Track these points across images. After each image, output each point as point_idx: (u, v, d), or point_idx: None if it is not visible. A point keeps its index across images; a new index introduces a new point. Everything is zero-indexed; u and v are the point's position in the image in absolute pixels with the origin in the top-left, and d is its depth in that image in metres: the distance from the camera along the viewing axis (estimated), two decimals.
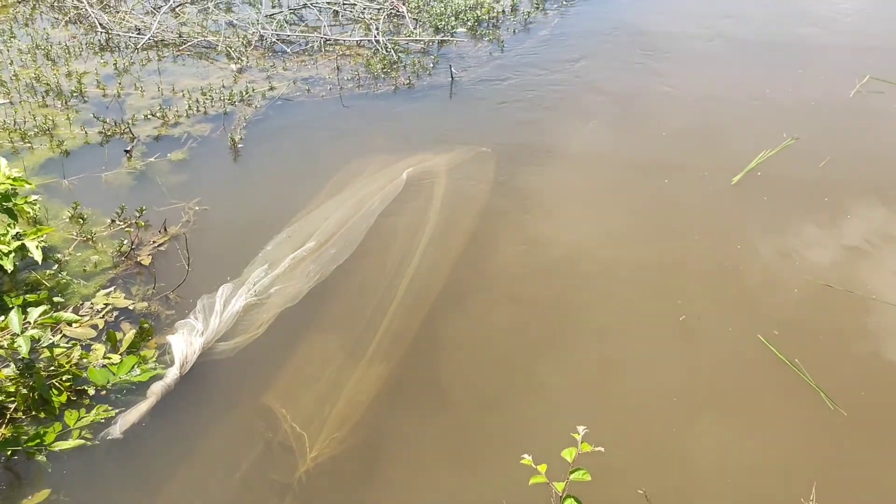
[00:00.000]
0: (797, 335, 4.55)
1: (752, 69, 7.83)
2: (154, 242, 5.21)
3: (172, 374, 4.14)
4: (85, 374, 4.03)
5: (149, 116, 6.74)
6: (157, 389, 4.07)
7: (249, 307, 4.67)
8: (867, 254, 5.18)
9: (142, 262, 5.01)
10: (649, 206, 5.77)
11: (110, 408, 3.94)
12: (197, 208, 5.57)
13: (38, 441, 3.67)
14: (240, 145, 6.41)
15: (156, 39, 8.16)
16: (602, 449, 2.59)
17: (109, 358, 4.17)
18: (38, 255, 4.27)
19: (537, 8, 9.27)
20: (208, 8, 9.03)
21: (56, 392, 3.94)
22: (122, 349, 4.25)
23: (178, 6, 9.08)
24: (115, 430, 3.86)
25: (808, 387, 4.20)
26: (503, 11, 9.13)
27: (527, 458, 2.61)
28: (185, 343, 4.27)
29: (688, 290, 4.90)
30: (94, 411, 3.88)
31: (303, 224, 5.41)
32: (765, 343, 4.45)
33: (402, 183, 5.84)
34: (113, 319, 4.56)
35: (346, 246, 5.21)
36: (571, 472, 2.57)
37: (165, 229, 5.32)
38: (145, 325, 4.42)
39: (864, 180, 5.97)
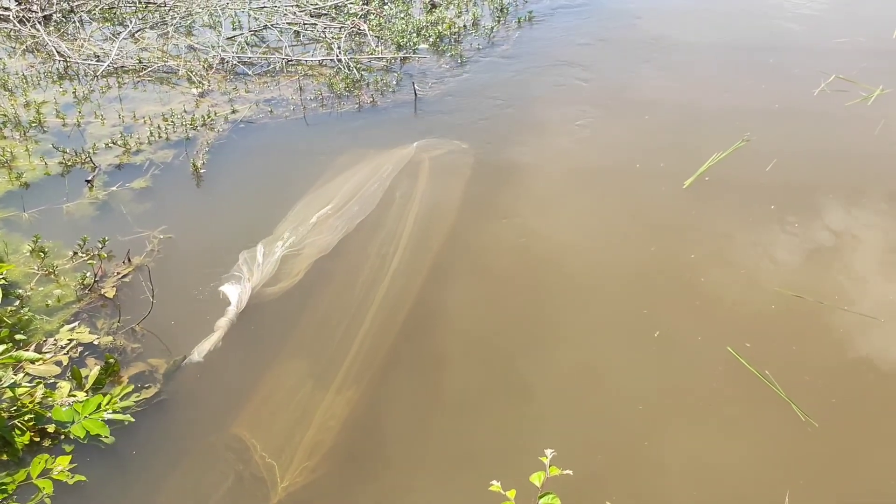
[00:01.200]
0: (766, 346, 4.58)
1: (713, 72, 7.95)
2: (118, 274, 5.14)
3: (232, 311, 4.78)
4: (49, 414, 3.96)
5: (110, 145, 6.66)
6: (222, 323, 4.70)
7: (286, 258, 5.28)
8: (817, 259, 5.25)
9: (106, 295, 4.94)
10: (606, 212, 5.83)
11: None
12: (161, 237, 5.52)
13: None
14: (203, 170, 6.37)
15: (115, 66, 8.09)
16: (570, 472, 2.59)
17: (75, 395, 4.11)
18: None
19: (498, 22, 9.34)
20: (168, 32, 8.97)
21: (19, 433, 3.86)
22: (87, 386, 4.19)
23: (137, 32, 9.01)
24: (196, 356, 4.52)
25: (779, 398, 4.22)
26: (464, 27, 9.18)
27: (495, 485, 2.61)
28: (236, 289, 4.95)
29: (651, 302, 4.94)
30: (57, 460, 3.78)
31: (321, 192, 6.00)
32: (734, 355, 4.48)
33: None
34: (78, 355, 4.49)
35: (364, 206, 5.85)
36: (541, 497, 2.57)
37: (129, 260, 5.26)
38: (111, 360, 4.36)
39: (812, 182, 6.08)
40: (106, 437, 3.84)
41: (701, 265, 5.22)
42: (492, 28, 9.13)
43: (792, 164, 6.29)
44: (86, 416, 3.86)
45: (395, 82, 7.85)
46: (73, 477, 3.71)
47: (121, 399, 4.12)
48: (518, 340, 4.69)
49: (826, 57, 8.10)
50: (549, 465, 2.62)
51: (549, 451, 2.66)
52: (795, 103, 7.30)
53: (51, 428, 3.97)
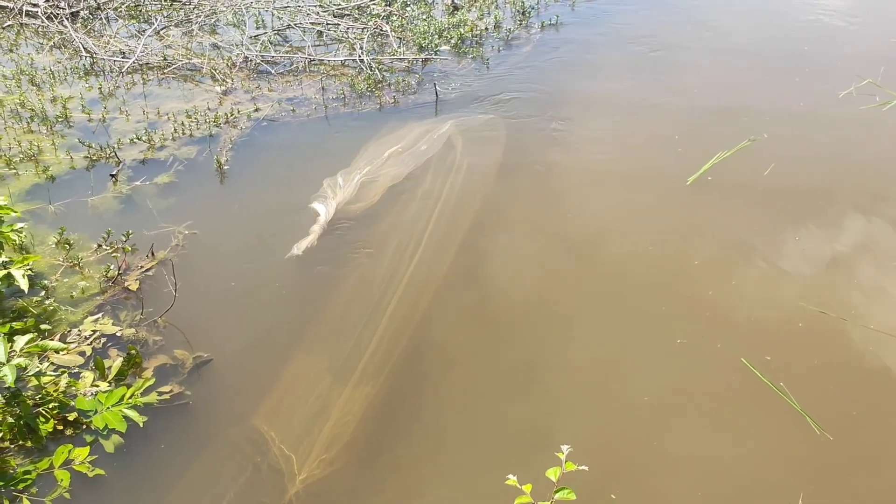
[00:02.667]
0: (780, 358, 4.53)
1: (741, 76, 7.95)
2: (142, 267, 5.21)
3: (322, 220, 5.68)
4: (72, 403, 4.02)
5: (134, 140, 6.75)
6: (315, 228, 5.61)
7: (364, 183, 6.19)
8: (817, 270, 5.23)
9: (129, 288, 5.01)
10: (635, 207, 5.86)
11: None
12: (185, 232, 5.58)
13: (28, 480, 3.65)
14: (226, 167, 6.43)
15: (140, 63, 8.19)
16: (586, 468, 2.60)
17: (97, 385, 4.17)
18: (24, 284, 4.25)
19: (520, 24, 9.36)
20: (192, 30, 9.07)
21: (43, 420, 3.93)
22: (109, 377, 4.25)
23: (162, 29, 9.11)
24: (296, 251, 5.37)
25: (793, 411, 4.19)
26: (486, 29, 9.21)
27: (512, 479, 2.63)
28: (324, 205, 5.88)
29: (670, 305, 4.94)
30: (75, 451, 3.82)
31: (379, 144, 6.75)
32: (749, 367, 4.46)
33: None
34: (101, 346, 4.56)
35: (431, 146, 6.67)
36: (556, 492, 2.58)
37: (153, 253, 5.33)
38: (133, 352, 4.42)
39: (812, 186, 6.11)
40: (122, 431, 3.88)
41: (704, 272, 5.22)
42: (511, 30, 9.14)
43: (791, 167, 6.35)
44: (108, 408, 3.91)
45: (415, 84, 7.89)
46: (93, 470, 3.76)
47: (142, 394, 4.17)
48: (532, 348, 4.71)
49: (867, 60, 8.05)
50: (565, 461, 2.64)
51: (564, 448, 2.68)
52: (818, 105, 7.29)
53: (71, 417, 4.03)
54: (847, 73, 7.79)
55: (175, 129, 6.92)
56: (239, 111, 7.27)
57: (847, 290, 4.97)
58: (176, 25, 9.27)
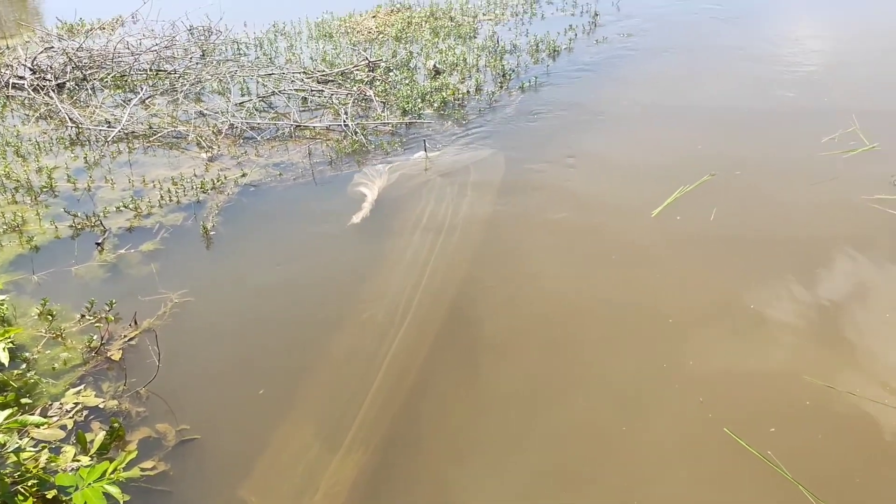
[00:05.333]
0: (760, 426, 4.33)
1: (708, 131, 8.08)
2: (125, 337, 5.14)
3: (370, 201, 6.80)
4: (52, 480, 3.90)
5: (120, 208, 6.74)
6: (366, 204, 6.76)
7: (405, 176, 7.34)
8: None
9: (112, 358, 4.93)
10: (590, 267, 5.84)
11: None
12: (170, 300, 5.53)
13: None
14: (212, 233, 6.42)
15: (126, 132, 8.25)
16: None
17: (79, 460, 4.05)
18: (4, 358, 4.18)
19: (501, 87, 9.54)
20: (178, 99, 9.18)
21: (21, 498, 3.80)
22: (91, 451, 4.14)
23: (147, 98, 9.22)
24: (355, 219, 6.55)
25: (786, 481, 4.01)
26: (468, 92, 9.38)
27: None
28: (368, 189, 7.00)
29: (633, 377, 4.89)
30: None
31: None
32: (732, 436, 4.24)
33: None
34: (83, 419, 4.45)
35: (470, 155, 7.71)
36: None
37: (136, 322, 5.27)
38: (116, 425, 4.32)
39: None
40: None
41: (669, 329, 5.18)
42: (493, 93, 9.31)
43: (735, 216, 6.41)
44: (90, 483, 3.79)
45: (400, 146, 7.98)
46: None
47: (125, 468, 4.05)
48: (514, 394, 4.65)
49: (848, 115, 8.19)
50: None
51: None
52: (793, 152, 7.46)
53: (50, 494, 3.91)
54: (828, 124, 7.95)
55: (161, 197, 6.92)
56: (225, 177, 7.30)
57: (828, 353, 4.91)
58: (161, 94, 9.39)
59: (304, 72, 9.91)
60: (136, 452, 4.18)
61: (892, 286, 5.40)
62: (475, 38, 11.72)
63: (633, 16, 12.72)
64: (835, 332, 4.98)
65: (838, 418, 4.34)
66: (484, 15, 13.08)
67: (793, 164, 7.22)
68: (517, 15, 13.05)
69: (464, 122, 8.53)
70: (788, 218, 6.35)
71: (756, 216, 6.41)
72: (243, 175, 7.37)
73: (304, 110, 8.95)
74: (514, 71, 10.05)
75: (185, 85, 9.55)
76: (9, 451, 3.73)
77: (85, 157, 7.71)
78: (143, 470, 4.15)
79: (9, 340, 4.48)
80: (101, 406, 4.53)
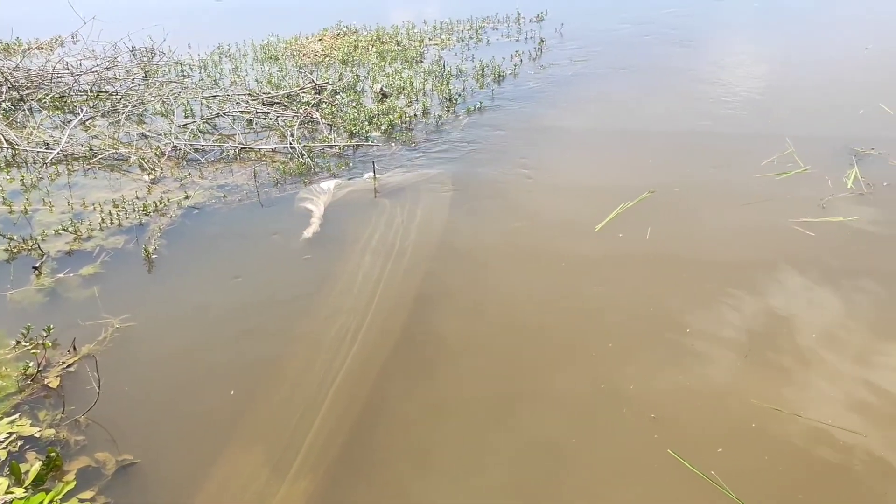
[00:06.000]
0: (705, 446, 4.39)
1: (651, 152, 8.30)
2: (63, 363, 4.99)
3: (318, 216, 6.87)
4: None
5: (59, 231, 6.57)
6: (314, 220, 6.83)
7: (353, 194, 7.45)
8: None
9: (50, 386, 4.78)
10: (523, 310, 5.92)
11: None
12: (111, 324, 5.39)
13: None
14: (154, 256, 6.30)
15: (65, 153, 8.06)
16: None
17: (13, 492, 3.91)
18: None
19: (448, 111, 9.64)
20: (119, 120, 9.01)
21: None
22: (26, 482, 4.00)
23: (88, 120, 9.03)
24: (306, 234, 6.59)
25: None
26: (415, 115, 9.45)
27: None
28: (314, 205, 7.11)
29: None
30: None
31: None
32: (675, 457, 4.30)
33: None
34: (17, 449, 4.29)
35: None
36: None
37: (75, 348, 5.12)
38: (52, 454, 4.18)
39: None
40: None
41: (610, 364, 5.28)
42: (440, 116, 9.40)
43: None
44: None
45: (346, 170, 7.97)
46: None
47: (62, 500, 3.93)
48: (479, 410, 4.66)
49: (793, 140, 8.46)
50: None
51: None
52: (731, 173, 7.70)
53: None
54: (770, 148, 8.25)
55: (102, 220, 6.77)
56: (168, 199, 7.19)
57: (766, 376, 5.05)
58: (102, 116, 9.21)
59: (249, 94, 9.85)
60: (75, 483, 4.05)
61: (815, 308, 5.52)
62: (422, 62, 11.84)
63: (577, 40, 13.02)
64: (764, 355, 5.08)
65: (782, 439, 4.44)
66: (430, 40, 13.23)
67: (729, 185, 7.45)
68: (463, 40, 13.24)
69: (412, 145, 8.58)
70: (718, 238, 6.52)
71: (688, 236, 6.59)
72: (187, 197, 7.26)
73: (249, 132, 8.88)
74: (460, 95, 10.17)
75: (127, 106, 9.40)
76: None
77: (22, 180, 7.50)
78: (81, 501, 4.02)
79: None
80: (37, 435, 4.38)
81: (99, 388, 4.65)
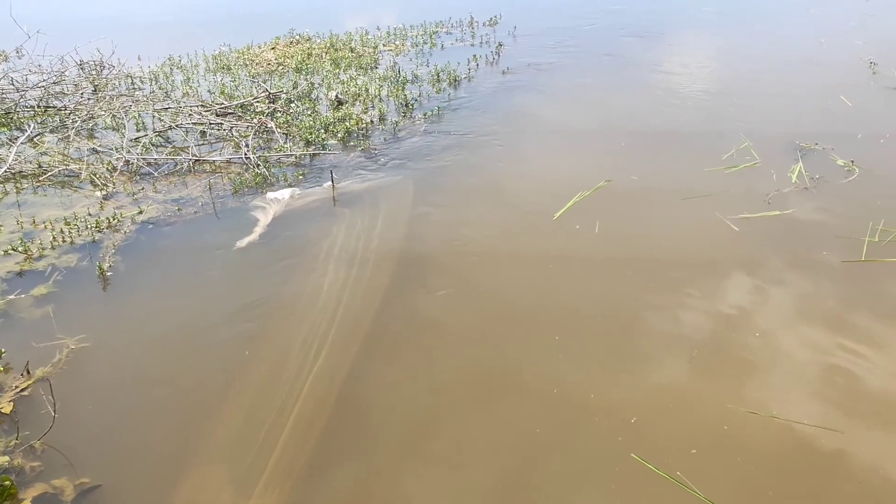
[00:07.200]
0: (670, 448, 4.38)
1: (610, 147, 8.40)
2: (16, 387, 4.85)
3: (263, 225, 6.84)
4: None
5: (9, 252, 6.39)
6: (258, 229, 6.75)
7: (311, 202, 7.36)
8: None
9: (2, 411, 4.64)
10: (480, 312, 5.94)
11: None
12: (72, 345, 5.25)
13: None
14: (109, 273, 6.16)
15: (13, 171, 7.86)
16: None
17: None
18: None
19: (405, 116, 9.62)
20: (69, 136, 8.81)
21: None
22: None
23: (36, 136, 8.81)
24: (241, 244, 6.53)
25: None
26: (372, 122, 9.41)
27: None
28: (263, 214, 7.06)
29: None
30: None
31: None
32: (641, 462, 4.28)
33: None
34: None
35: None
36: None
37: (29, 372, 4.98)
38: (7, 482, 4.05)
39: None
40: None
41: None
42: (397, 122, 9.37)
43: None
44: None
45: (302, 178, 7.91)
46: None
47: None
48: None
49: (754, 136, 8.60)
50: None
51: None
52: (685, 168, 7.84)
53: None
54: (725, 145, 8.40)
55: (54, 238, 6.61)
56: (122, 215, 7.05)
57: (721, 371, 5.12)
58: (51, 132, 9.01)
59: (202, 105, 9.72)
60: None
61: (753, 305, 5.57)
62: (376, 68, 11.82)
63: (531, 43, 13.11)
64: (708, 357, 5.09)
65: (748, 439, 4.48)
66: (384, 46, 13.21)
67: (678, 179, 7.58)
68: (417, 45, 13.24)
69: (369, 151, 8.54)
70: (659, 235, 6.63)
71: (634, 230, 6.71)
72: (140, 212, 7.12)
73: (203, 144, 8.76)
74: (416, 100, 10.17)
75: (76, 121, 9.20)
76: None
77: None
78: None
79: None
80: None
81: (55, 411, 4.53)
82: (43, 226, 6.85)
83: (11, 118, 9.36)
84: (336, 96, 10.05)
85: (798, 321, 5.35)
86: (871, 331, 5.22)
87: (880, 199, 6.92)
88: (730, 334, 5.25)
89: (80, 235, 6.71)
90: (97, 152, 8.42)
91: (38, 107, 9.73)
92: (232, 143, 8.67)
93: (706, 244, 6.43)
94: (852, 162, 7.68)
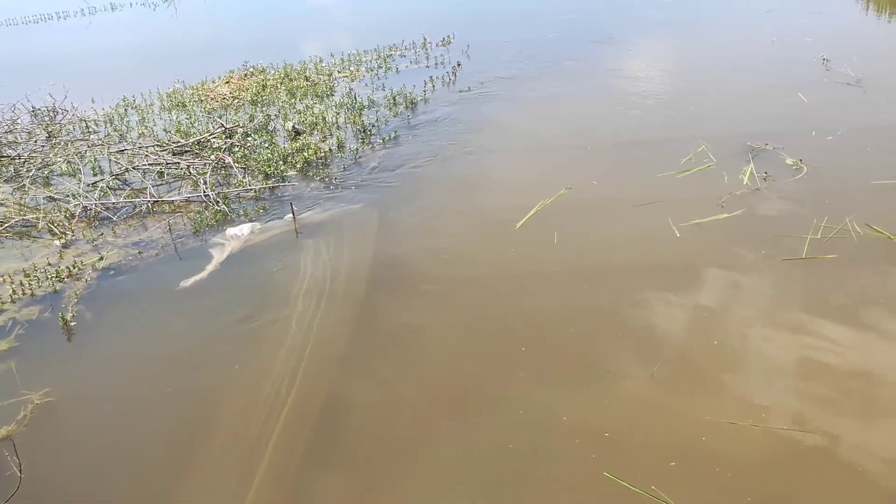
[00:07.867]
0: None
1: (568, 156, 8.54)
2: None
3: (215, 263, 6.84)
4: None
5: None
6: (209, 266, 6.74)
7: (273, 237, 7.34)
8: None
9: None
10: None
11: None
12: (37, 401, 5.19)
13: None
14: (73, 323, 6.11)
15: None
16: None
17: None
18: None
19: (363, 142, 9.65)
20: (24, 185, 8.72)
21: None
22: None
23: None
24: (186, 283, 6.53)
25: None
26: (330, 150, 9.43)
27: None
28: (218, 251, 7.06)
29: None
30: None
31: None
32: (614, 479, 4.28)
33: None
34: None
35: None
36: None
37: None
38: None
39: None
40: None
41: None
42: (357, 149, 9.40)
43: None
44: None
45: (263, 211, 7.91)
46: None
47: None
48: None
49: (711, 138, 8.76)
50: None
51: None
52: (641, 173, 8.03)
53: None
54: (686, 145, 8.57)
55: (14, 291, 6.53)
56: (83, 263, 6.99)
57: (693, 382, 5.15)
58: (5, 181, 8.90)
59: (158, 144, 9.68)
60: None
61: (709, 312, 5.68)
62: (332, 95, 11.84)
63: (484, 60, 13.22)
64: (670, 368, 5.16)
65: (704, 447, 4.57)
66: (339, 72, 13.24)
67: (635, 185, 7.75)
68: (371, 70, 13.29)
69: (330, 180, 8.56)
70: (615, 243, 6.78)
71: (591, 239, 6.92)
72: (101, 258, 7.07)
73: (161, 184, 8.71)
74: (374, 126, 10.21)
75: (31, 170, 9.11)
76: None
77: None
78: None
79: None
80: None
81: (20, 471, 4.47)
82: (1, 279, 6.77)
83: None
84: (293, 126, 10.06)
85: (743, 325, 5.46)
86: (814, 325, 5.36)
87: (826, 197, 7.10)
88: (688, 343, 5.35)
89: (40, 286, 6.64)
90: (54, 200, 8.35)
91: None
92: (190, 182, 8.64)
93: (658, 251, 6.57)
94: (801, 160, 7.87)
